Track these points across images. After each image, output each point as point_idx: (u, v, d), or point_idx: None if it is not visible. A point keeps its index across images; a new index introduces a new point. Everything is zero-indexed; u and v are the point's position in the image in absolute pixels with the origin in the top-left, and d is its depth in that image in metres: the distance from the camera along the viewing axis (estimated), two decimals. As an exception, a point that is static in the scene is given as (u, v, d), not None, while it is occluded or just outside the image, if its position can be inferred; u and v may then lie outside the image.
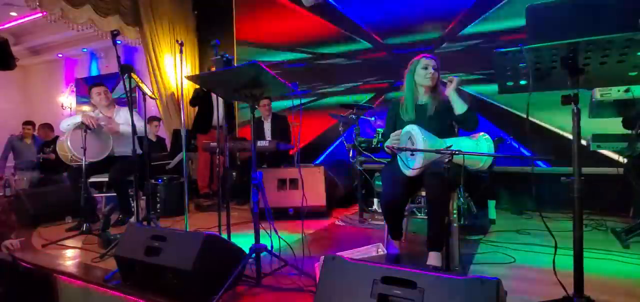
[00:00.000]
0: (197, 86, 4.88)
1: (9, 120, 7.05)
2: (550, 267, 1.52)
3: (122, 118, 3.57)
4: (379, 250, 2.01)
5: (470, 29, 4.18)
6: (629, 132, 2.68)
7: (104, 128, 3.41)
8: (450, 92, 2.21)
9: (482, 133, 2.19)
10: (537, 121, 3.78)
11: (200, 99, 5.00)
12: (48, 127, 6.33)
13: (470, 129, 2.22)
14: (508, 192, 3.93)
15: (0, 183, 5.74)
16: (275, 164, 4.43)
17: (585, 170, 1.48)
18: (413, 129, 2.06)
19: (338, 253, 1.59)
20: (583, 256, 1.46)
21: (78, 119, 3.35)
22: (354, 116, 3.58)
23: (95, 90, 3.66)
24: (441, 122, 2.27)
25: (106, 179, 3.52)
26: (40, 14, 4.65)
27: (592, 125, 2.94)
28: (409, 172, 2.10)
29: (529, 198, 3.76)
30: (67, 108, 8.35)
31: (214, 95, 4.67)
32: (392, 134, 2.24)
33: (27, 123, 6.24)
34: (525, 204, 3.74)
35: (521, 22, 3.84)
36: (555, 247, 1.48)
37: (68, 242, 3.02)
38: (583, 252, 1.46)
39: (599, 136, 2.94)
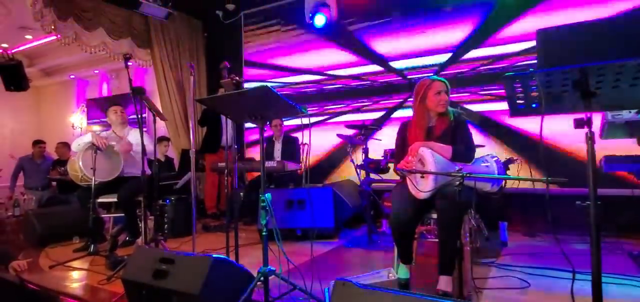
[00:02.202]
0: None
1: (22, 140, 7.16)
2: (567, 293, 1.47)
3: (134, 139, 3.60)
4: (390, 275, 1.97)
5: (480, 50, 4.20)
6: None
7: (116, 147, 3.43)
8: (430, 147, 2.16)
9: (490, 154, 2.18)
10: (550, 141, 3.76)
11: (210, 119, 5.04)
12: (66, 146, 6.40)
13: (468, 162, 2.18)
14: (519, 213, 3.87)
15: (9, 203, 5.79)
16: (283, 184, 4.42)
17: (599, 191, 1.45)
18: (424, 152, 2.04)
19: (348, 277, 1.56)
20: (602, 283, 1.41)
21: (88, 138, 3.38)
22: (361, 137, 3.58)
23: (112, 108, 3.69)
24: (451, 143, 2.25)
25: (114, 200, 3.52)
26: (54, 37, 4.76)
27: (604, 145, 2.90)
28: (419, 195, 2.08)
29: (541, 220, 3.69)
30: (77, 128, 8.48)
31: (223, 116, 4.71)
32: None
33: (38, 142, 6.31)
34: (538, 226, 3.67)
35: (529, 44, 3.89)
36: (573, 274, 1.44)
37: (75, 264, 3.02)
38: (602, 279, 1.42)
39: (612, 158, 2.90)
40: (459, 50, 4.30)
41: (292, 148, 4.60)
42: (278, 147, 4.66)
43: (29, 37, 6.96)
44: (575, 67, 1.32)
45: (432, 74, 2.39)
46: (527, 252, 2.98)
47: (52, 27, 4.51)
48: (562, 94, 1.49)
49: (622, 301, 1.99)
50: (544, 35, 1.42)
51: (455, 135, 2.24)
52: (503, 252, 3.03)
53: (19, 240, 4.07)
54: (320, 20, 4.75)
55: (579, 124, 1.47)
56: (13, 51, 6.40)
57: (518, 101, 1.56)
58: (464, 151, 2.18)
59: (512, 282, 2.31)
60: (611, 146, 2.86)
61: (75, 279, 2.71)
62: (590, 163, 1.44)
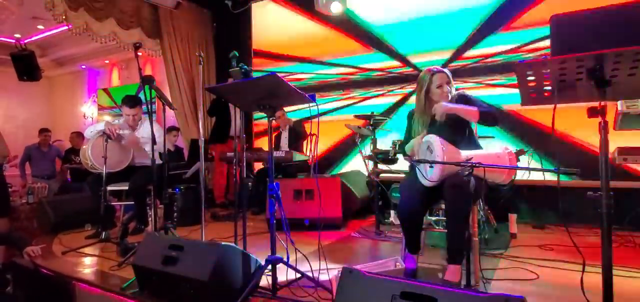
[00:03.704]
0: (215, 96, 4.95)
1: (34, 129, 7.26)
2: (576, 285, 1.46)
3: (145, 130, 3.60)
4: (397, 264, 1.97)
5: (491, 39, 4.13)
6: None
7: (124, 142, 3.45)
8: (454, 111, 2.16)
9: (503, 146, 2.15)
10: (562, 133, 3.70)
11: (218, 109, 5.06)
12: (80, 136, 6.49)
13: (490, 125, 2.17)
14: (529, 205, 3.83)
15: (23, 191, 5.90)
16: (291, 174, 4.43)
17: (612, 184, 1.42)
18: (432, 139, 2.03)
19: (355, 266, 1.56)
20: (612, 275, 1.40)
21: (101, 126, 3.41)
22: (370, 127, 3.56)
23: (126, 110, 3.61)
24: (456, 130, 2.23)
25: (125, 188, 3.57)
26: (65, 27, 4.81)
27: (618, 137, 2.84)
28: (427, 183, 2.06)
29: (551, 212, 3.65)
30: (89, 118, 8.59)
31: (231, 105, 4.72)
32: (413, 142, 2.22)
33: (43, 130, 6.37)
34: (548, 218, 3.63)
35: (544, 33, 3.81)
36: (583, 265, 1.43)
37: (87, 250, 3.07)
38: (612, 272, 1.40)
39: (625, 150, 2.84)
40: (470, 39, 4.24)
41: (297, 132, 4.61)
42: (284, 135, 4.67)
43: (40, 27, 7.03)
44: (591, 54, 1.29)
45: (433, 67, 2.36)
46: (537, 244, 2.95)
47: (63, 17, 4.55)
48: (576, 83, 1.46)
49: (633, 295, 1.97)
50: (558, 21, 1.39)
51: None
52: (512, 243, 3.00)
53: (33, 227, 4.15)
54: (336, 7, 4.68)
55: (592, 113, 1.44)
56: (25, 41, 6.49)
57: (530, 90, 1.54)
58: (488, 110, 2.13)
59: (521, 274, 2.29)
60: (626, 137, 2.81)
61: (87, 264, 2.76)
62: (603, 153, 1.41)
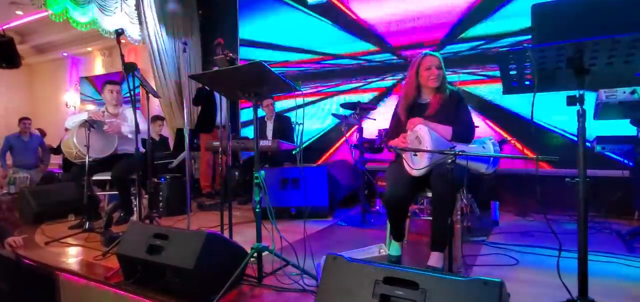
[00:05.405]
0: (201, 85, 4.89)
1: (14, 119, 7.08)
2: (554, 270, 1.50)
3: (127, 118, 3.56)
4: (381, 250, 2.00)
5: (475, 29, 4.16)
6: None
7: (106, 127, 3.39)
8: (430, 126, 2.15)
9: (488, 136, 2.18)
10: (542, 123, 3.76)
11: (204, 98, 5.01)
12: None
13: (468, 143, 2.20)
14: (512, 193, 3.90)
15: (4, 181, 5.77)
16: (277, 163, 4.42)
17: (590, 172, 1.46)
18: (421, 129, 2.04)
19: (340, 253, 1.58)
20: (588, 259, 1.44)
21: (84, 116, 3.34)
22: (356, 117, 3.57)
23: (108, 87, 3.64)
24: (441, 122, 2.25)
25: (109, 177, 3.52)
26: (45, 13, 4.68)
27: (597, 126, 2.92)
28: (415, 173, 2.09)
29: (533, 200, 3.73)
30: (71, 107, 8.39)
31: (217, 94, 4.67)
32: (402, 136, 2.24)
33: (23, 119, 6.21)
34: (529, 206, 3.72)
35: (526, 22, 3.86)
36: (560, 249, 1.47)
37: (71, 240, 3.02)
38: (588, 255, 1.44)
39: (604, 138, 2.92)
40: (456, 27, 4.26)
41: (284, 126, 4.59)
42: (270, 126, 4.65)
43: (19, 12, 6.82)
44: (570, 43, 1.32)
45: (427, 50, 2.37)
46: (518, 231, 3.02)
47: (42, 2, 4.42)
48: (556, 71, 1.49)
49: (609, 279, 2.03)
50: (539, 9, 1.41)
51: (451, 112, 2.23)
52: (494, 231, 3.07)
53: (15, 217, 4.07)
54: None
55: (571, 101, 1.48)
56: (4, 27, 6.27)
57: (512, 78, 1.56)
58: (464, 132, 2.18)
59: (501, 260, 2.35)
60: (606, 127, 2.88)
61: (71, 255, 2.72)
62: (581, 140, 1.45)
